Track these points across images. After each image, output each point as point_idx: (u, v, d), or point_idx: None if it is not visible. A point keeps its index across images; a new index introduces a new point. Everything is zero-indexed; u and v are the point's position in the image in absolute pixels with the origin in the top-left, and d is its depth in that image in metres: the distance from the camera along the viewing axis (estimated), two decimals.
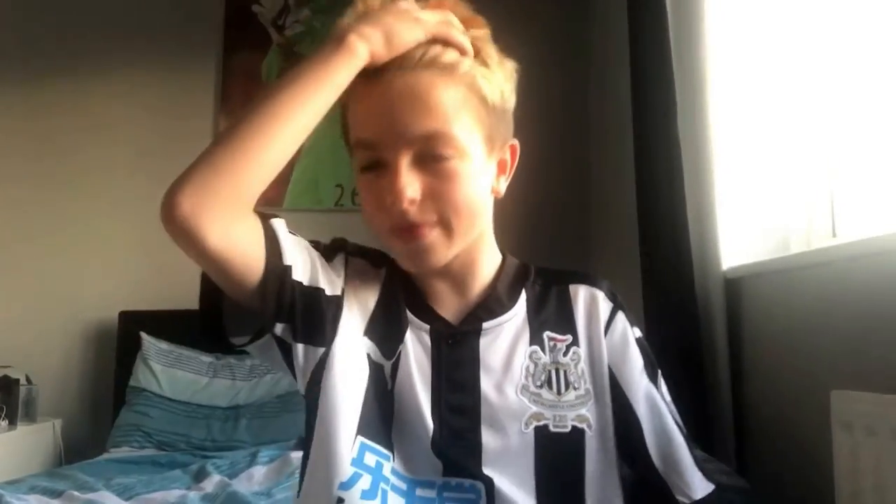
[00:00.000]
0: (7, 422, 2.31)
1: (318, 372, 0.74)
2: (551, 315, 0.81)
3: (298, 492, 0.77)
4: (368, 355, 0.76)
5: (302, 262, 0.75)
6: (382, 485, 0.72)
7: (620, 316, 0.81)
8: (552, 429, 0.75)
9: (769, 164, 1.54)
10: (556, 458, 0.75)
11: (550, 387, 0.76)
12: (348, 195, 2.78)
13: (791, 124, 1.52)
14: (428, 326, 0.78)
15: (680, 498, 0.77)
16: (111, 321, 2.66)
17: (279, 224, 0.74)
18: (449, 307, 0.80)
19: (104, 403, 2.61)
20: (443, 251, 0.74)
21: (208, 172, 0.65)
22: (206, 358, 2.47)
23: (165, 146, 2.69)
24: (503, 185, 0.81)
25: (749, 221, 1.55)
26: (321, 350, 0.74)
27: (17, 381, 2.40)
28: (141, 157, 2.76)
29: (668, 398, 0.81)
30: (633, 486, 0.79)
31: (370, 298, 0.79)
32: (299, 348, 0.75)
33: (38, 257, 2.75)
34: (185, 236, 0.64)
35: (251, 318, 0.72)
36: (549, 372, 0.77)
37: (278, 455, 1.91)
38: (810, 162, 1.48)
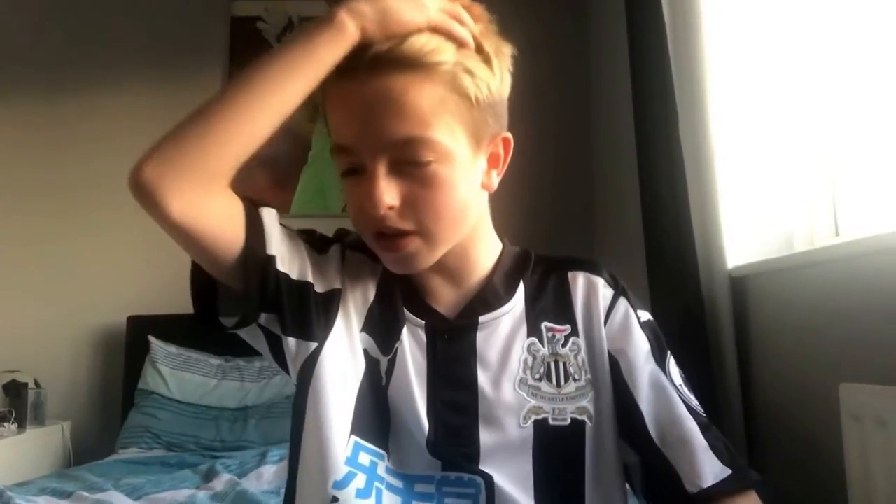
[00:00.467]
0: (16, 425, 2.32)
1: (310, 366, 0.72)
2: (549, 304, 0.78)
3: (287, 488, 0.75)
4: (366, 351, 0.75)
5: (290, 255, 0.73)
6: (377, 483, 0.70)
7: (622, 302, 0.78)
8: (551, 422, 0.73)
9: (772, 163, 1.56)
10: (556, 452, 0.73)
11: (550, 379, 0.74)
12: None
13: (793, 123, 1.53)
14: (423, 322, 0.76)
15: (688, 487, 0.71)
16: (119, 326, 2.68)
17: (268, 213, 0.72)
18: (445, 301, 0.78)
19: (113, 407, 2.62)
20: (425, 257, 0.73)
21: (174, 142, 0.66)
22: (215, 360, 2.48)
23: None
24: (495, 180, 0.77)
25: (753, 221, 1.56)
26: (313, 344, 0.73)
27: (26, 384, 2.41)
28: None
29: (680, 381, 0.77)
30: (644, 474, 0.77)
31: (368, 293, 0.78)
32: (290, 342, 0.73)
33: (47, 263, 2.78)
34: (146, 201, 0.64)
35: (239, 302, 0.71)
36: (549, 364, 0.75)
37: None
38: (813, 161, 1.50)
